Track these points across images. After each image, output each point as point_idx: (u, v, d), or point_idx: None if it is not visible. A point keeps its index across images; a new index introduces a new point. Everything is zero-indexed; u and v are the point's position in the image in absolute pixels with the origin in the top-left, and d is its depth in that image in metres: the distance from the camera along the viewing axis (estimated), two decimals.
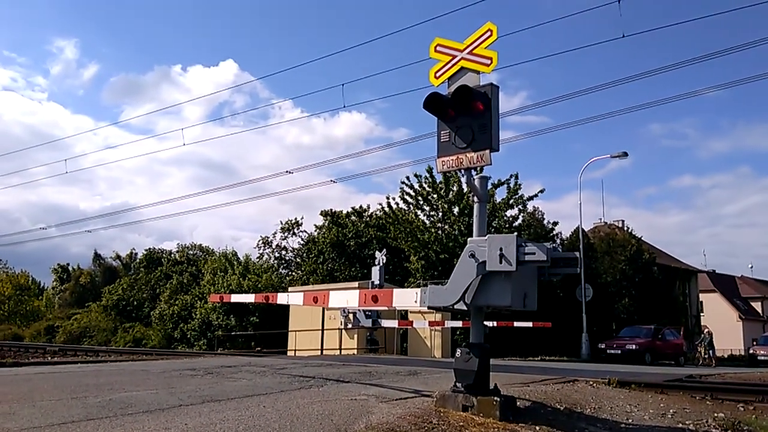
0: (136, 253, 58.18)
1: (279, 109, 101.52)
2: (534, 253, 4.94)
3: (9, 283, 56.48)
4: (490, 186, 6.81)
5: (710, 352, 26.09)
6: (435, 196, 27.61)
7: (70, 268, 63.38)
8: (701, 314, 43.14)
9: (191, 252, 50.16)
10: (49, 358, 15.57)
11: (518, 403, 5.77)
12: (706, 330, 27.75)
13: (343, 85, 18.37)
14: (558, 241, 30.14)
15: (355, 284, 22.09)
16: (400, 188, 28.23)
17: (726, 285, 57.56)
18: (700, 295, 45.88)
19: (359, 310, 18.88)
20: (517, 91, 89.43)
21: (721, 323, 45.67)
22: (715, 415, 6.14)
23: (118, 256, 60.96)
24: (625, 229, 36.64)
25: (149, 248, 52.94)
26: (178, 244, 54.89)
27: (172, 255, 49.74)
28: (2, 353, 18.96)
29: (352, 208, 36.44)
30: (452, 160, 5.72)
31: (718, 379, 10.40)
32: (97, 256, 61.87)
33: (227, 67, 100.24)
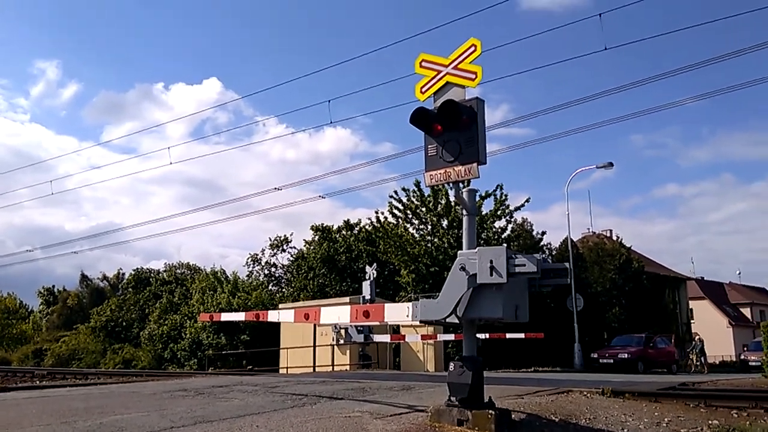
0: (123, 274, 57.76)
1: (263, 126, 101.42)
2: (524, 265, 4.95)
3: None
4: (477, 198, 6.86)
5: (702, 359, 26.18)
6: (423, 209, 27.65)
7: (55, 291, 62.70)
8: (691, 321, 43.33)
9: (179, 271, 49.85)
10: (38, 381, 15.37)
11: (513, 416, 5.76)
12: (697, 337, 27.86)
13: (329, 101, 18.42)
14: (547, 251, 30.23)
15: (347, 299, 22.02)
16: (389, 202, 28.26)
17: (715, 292, 57.94)
18: (690, 302, 46.11)
19: (351, 325, 18.84)
20: (499, 104, 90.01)
21: (712, 330, 45.91)
22: (710, 422, 6.15)
23: (105, 277, 60.47)
24: (614, 238, 36.82)
25: (137, 268, 52.56)
26: (165, 263, 54.57)
27: (160, 274, 49.39)
28: None
29: (344, 221, 36.46)
30: (440, 173, 5.75)
31: (711, 386, 10.43)
32: (84, 278, 61.27)
33: (211, 85, 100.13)
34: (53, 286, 63.66)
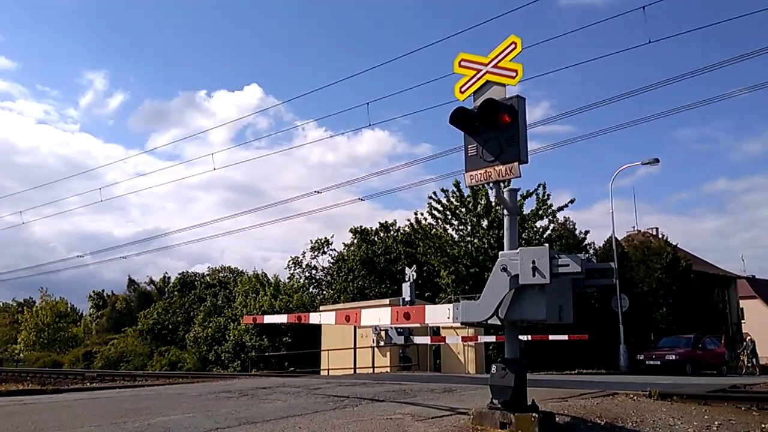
0: (169, 277, 59.06)
1: (302, 130, 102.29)
2: (568, 265, 4.86)
3: (49, 310, 57.73)
4: (518, 198, 6.74)
5: (753, 360, 25.38)
6: (463, 209, 27.48)
7: (105, 295, 64.52)
8: (742, 321, 41.99)
9: (222, 274, 50.72)
10: (88, 383, 15.83)
11: (557, 419, 5.66)
12: (748, 337, 27.03)
13: (368, 103, 18.41)
14: (591, 251, 29.71)
15: (387, 301, 22.04)
16: (428, 203, 28.19)
17: (767, 290, 55.96)
18: (741, 301, 44.64)
19: (391, 327, 18.84)
20: (540, 101, 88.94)
21: (763, 330, 44.26)
22: (763, 426, 5.93)
23: (152, 281, 61.95)
24: (660, 236, 35.93)
25: (182, 272, 53.68)
26: (208, 267, 55.65)
27: (205, 278, 50.34)
28: (43, 380, 19.33)
29: (380, 223, 36.55)
30: (481, 173, 5.69)
31: (764, 388, 10.08)
32: (131, 282, 62.91)
33: (251, 91, 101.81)
34: (102, 291, 65.67)
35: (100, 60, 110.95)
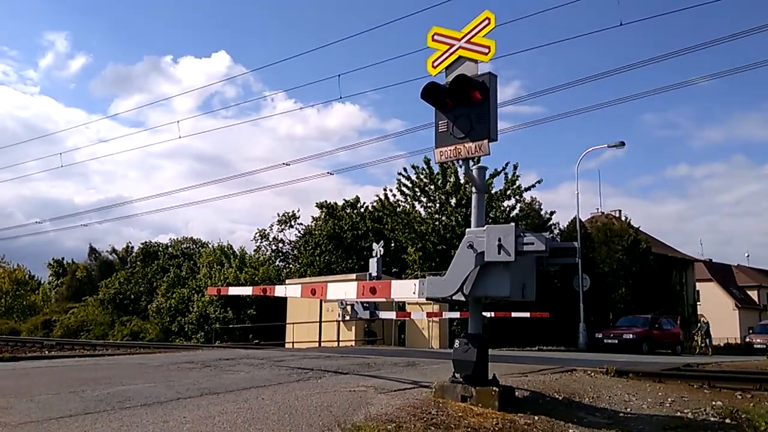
0: (132, 247, 58.11)
1: (271, 101, 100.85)
2: (533, 244, 4.92)
3: (7, 277, 56.40)
4: (487, 176, 6.70)
5: (707, 340, 26.19)
6: (432, 187, 27.57)
7: (65, 263, 63.21)
8: (698, 303, 43.27)
9: (185, 245, 50.06)
10: (47, 352, 15.56)
11: (517, 393, 5.78)
12: (702, 319, 27.86)
13: (339, 76, 18.21)
14: (556, 231, 30.15)
15: (353, 276, 22.10)
16: (397, 179, 28.21)
17: (722, 274, 57.70)
18: (697, 284, 45.99)
19: (357, 302, 18.93)
20: (510, 80, 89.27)
21: (718, 312, 45.84)
22: (713, 403, 6.15)
23: (115, 250, 60.84)
24: (623, 218, 36.65)
25: (145, 242, 52.82)
26: (170, 238, 54.80)
27: (169, 249, 49.67)
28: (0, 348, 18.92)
29: (344, 200, 36.46)
30: (450, 150, 5.69)
31: (715, 367, 10.42)
32: (92, 251, 61.71)
33: (220, 58, 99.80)
34: (62, 259, 64.20)
35: (61, 21, 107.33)
